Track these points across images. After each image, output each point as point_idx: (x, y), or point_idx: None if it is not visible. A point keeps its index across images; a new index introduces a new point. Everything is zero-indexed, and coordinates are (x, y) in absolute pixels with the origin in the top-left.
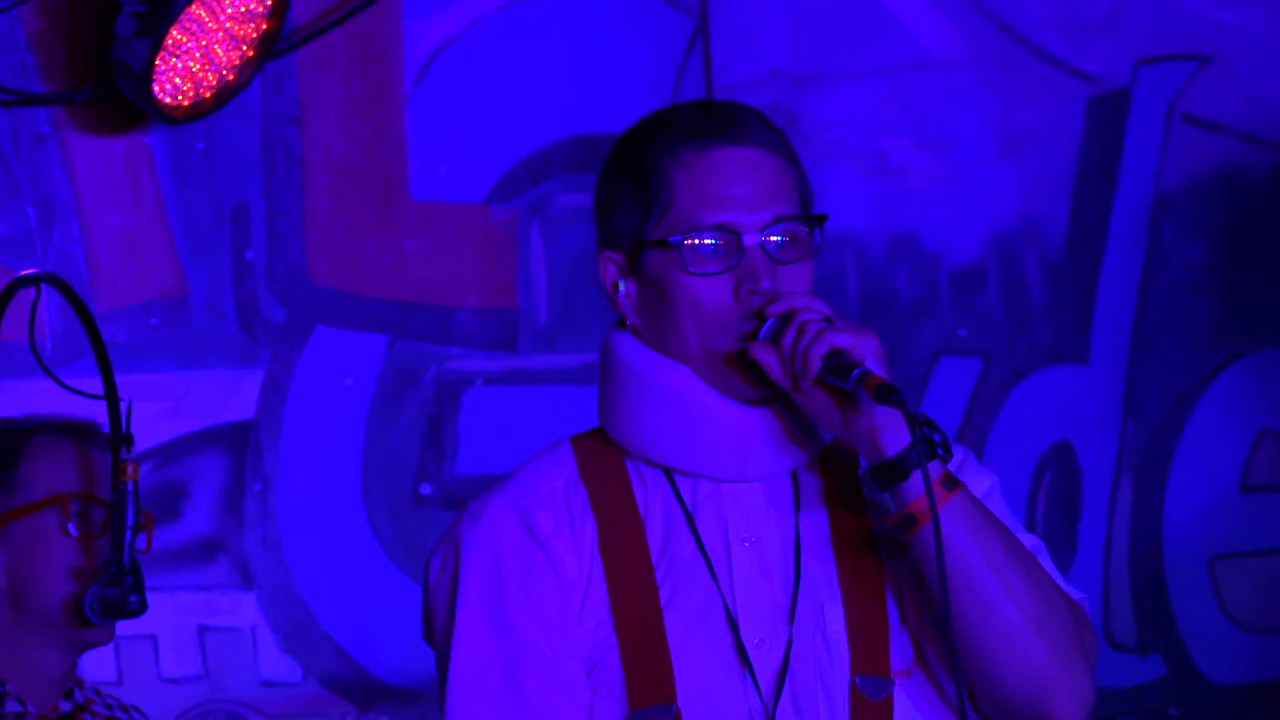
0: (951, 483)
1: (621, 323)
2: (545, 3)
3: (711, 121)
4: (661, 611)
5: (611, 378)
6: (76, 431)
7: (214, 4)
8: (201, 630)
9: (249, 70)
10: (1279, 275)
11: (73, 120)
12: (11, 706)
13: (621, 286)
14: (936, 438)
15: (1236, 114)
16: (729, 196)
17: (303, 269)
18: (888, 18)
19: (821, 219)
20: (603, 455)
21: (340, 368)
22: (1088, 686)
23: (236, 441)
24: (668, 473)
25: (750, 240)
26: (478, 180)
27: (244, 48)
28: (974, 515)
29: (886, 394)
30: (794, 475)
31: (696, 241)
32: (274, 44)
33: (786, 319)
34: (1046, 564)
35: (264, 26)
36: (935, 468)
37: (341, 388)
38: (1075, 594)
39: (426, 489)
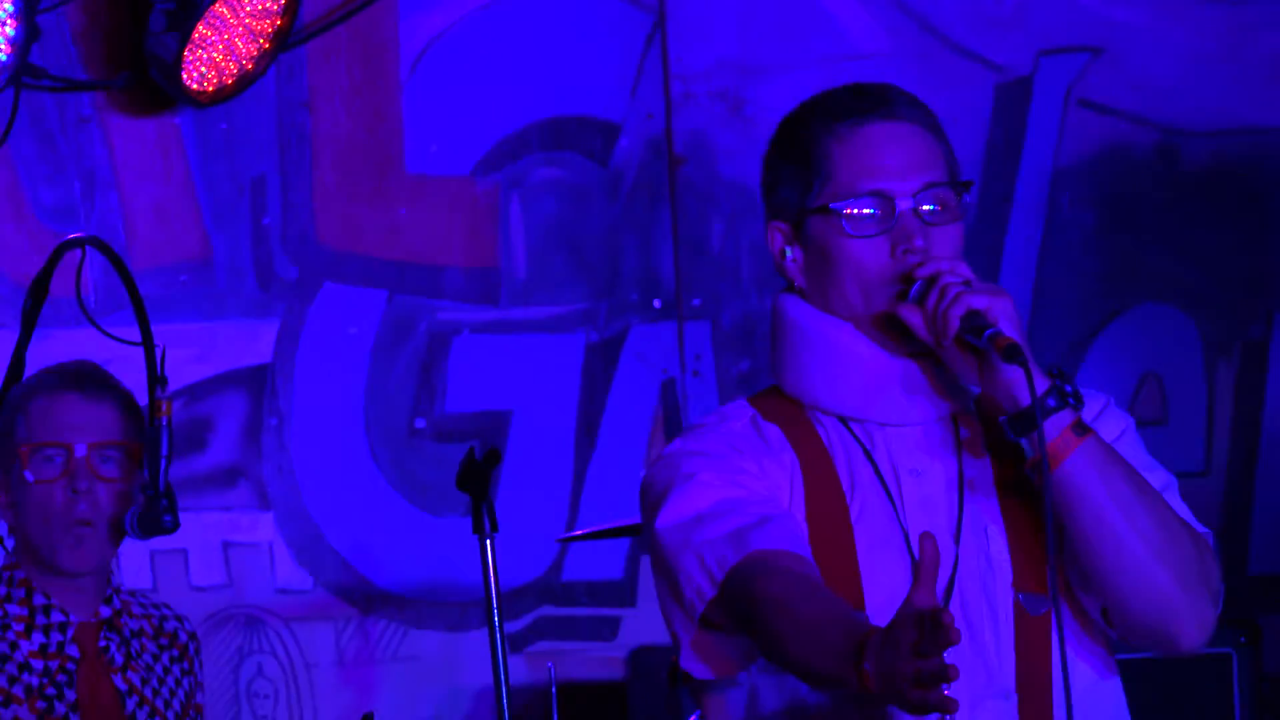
0: (1081, 429)
1: (790, 287)
2: (523, 2)
3: (864, 101)
4: (853, 530)
5: (783, 337)
6: (74, 383)
7: (235, 2)
8: (225, 545)
9: (265, 60)
10: (1161, 239)
11: (112, 104)
12: (56, 617)
13: (789, 253)
14: (1068, 389)
15: (1125, 99)
16: (883, 166)
17: (312, 233)
18: (822, 15)
19: (968, 185)
20: (783, 406)
21: (345, 319)
22: (1210, 613)
23: (255, 382)
24: (841, 419)
25: (903, 205)
26: (464, 156)
27: (261, 41)
28: (1101, 457)
29: (1013, 354)
30: (954, 421)
31: (855, 210)
32: (287, 38)
33: (931, 281)
34: (1174, 500)
35: (278, 22)
36: (1066, 416)
37: (346, 336)
38: (1201, 529)
39: (420, 423)
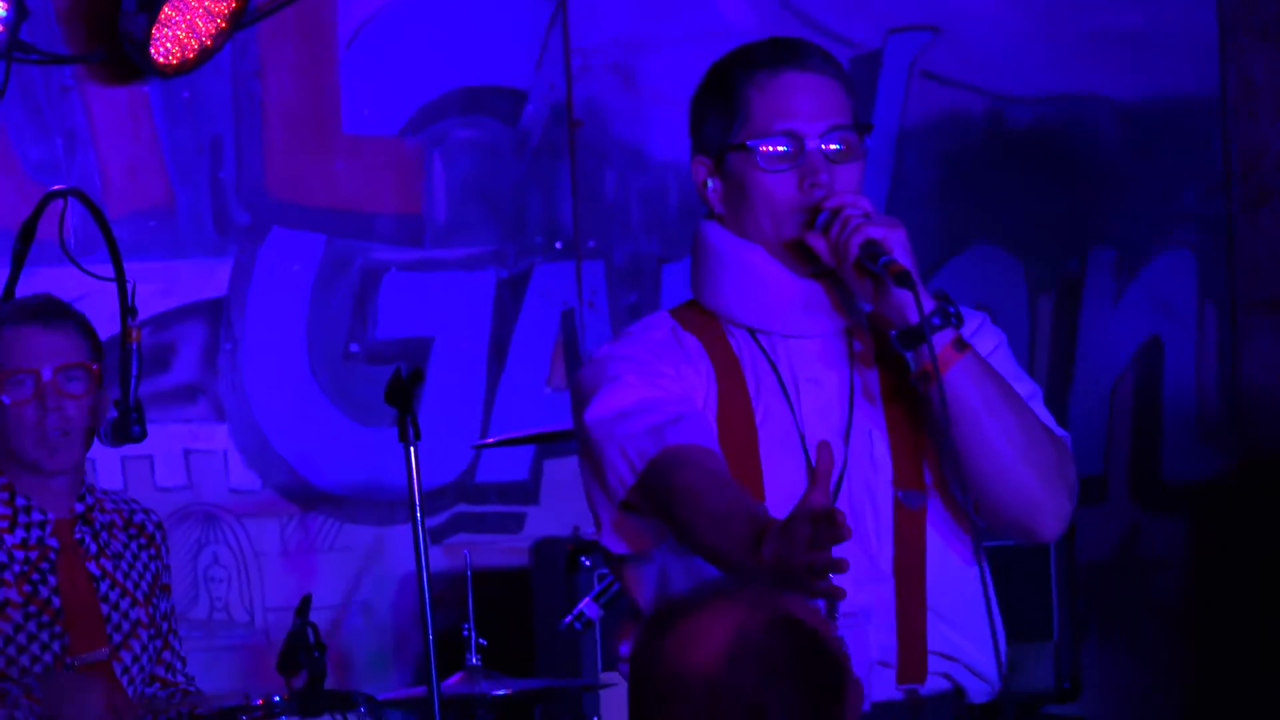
0: (961, 345)
1: (710, 214)
2: None
3: (781, 52)
4: (757, 431)
5: (703, 257)
6: (34, 316)
7: None
8: (186, 452)
9: (222, 38)
10: (990, 190)
11: (90, 74)
12: (35, 515)
13: (710, 184)
14: (951, 309)
15: (960, 71)
16: (795, 109)
17: (262, 185)
18: (707, 5)
19: (869, 127)
20: (700, 318)
21: (290, 258)
22: (1068, 506)
23: (212, 313)
24: (750, 331)
25: (812, 144)
26: (393, 119)
27: (219, 21)
28: (977, 370)
29: (904, 279)
30: (849, 336)
31: (769, 148)
32: (241, 18)
33: (835, 212)
34: (1038, 408)
35: (234, 5)
36: (949, 333)
37: (290, 273)
38: (1060, 433)
39: (354, 348)
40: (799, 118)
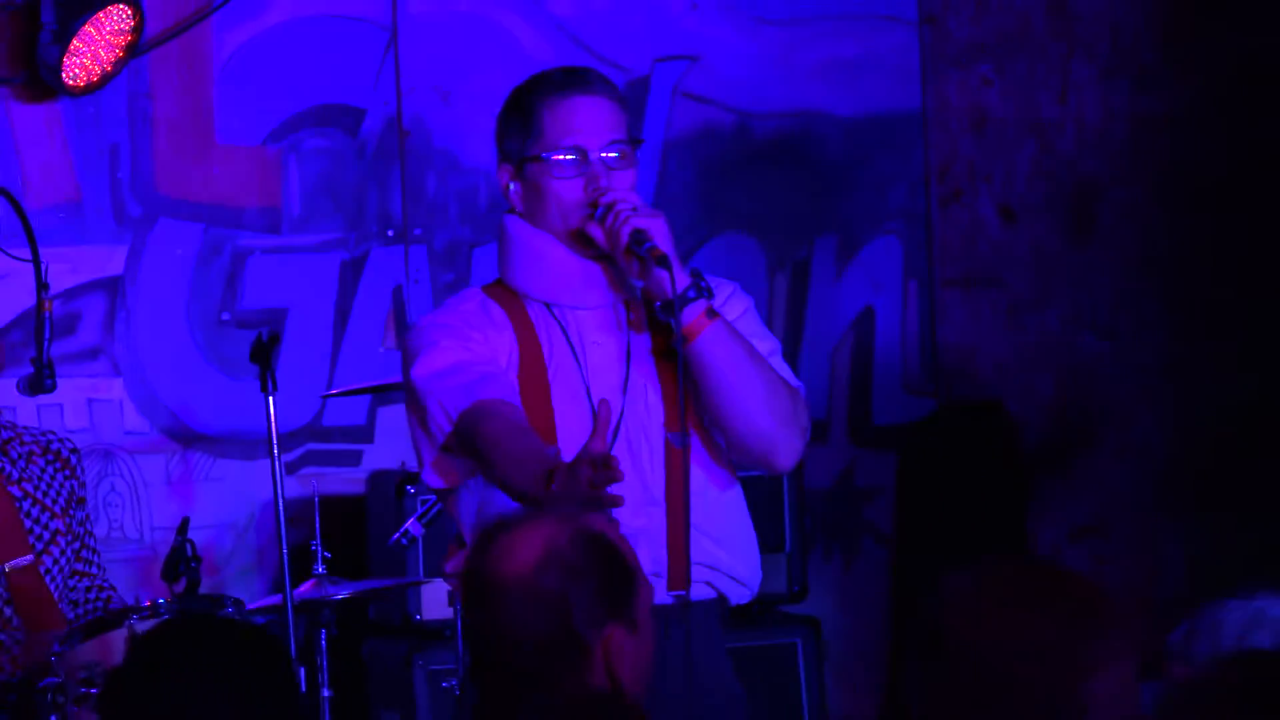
0: (712, 314)
1: (512, 209)
2: (300, 26)
3: (569, 78)
4: (550, 386)
5: (506, 244)
6: None
7: (99, 25)
8: (89, 401)
9: (120, 65)
10: (738, 188)
11: (13, 94)
12: None
13: (512, 186)
14: (703, 284)
15: (713, 92)
16: (579, 127)
17: (152, 184)
18: (505, 32)
19: (639, 141)
20: (505, 293)
21: (174, 244)
22: (800, 444)
23: (111, 288)
24: (545, 304)
25: (594, 155)
26: (258, 130)
27: (118, 51)
28: (725, 334)
29: (663, 261)
30: (625, 307)
31: (559, 158)
32: (135, 48)
33: (609, 207)
34: (777, 362)
35: (129, 38)
36: (701, 304)
37: (174, 256)
38: (795, 383)
39: (226, 316)
40: (583, 134)
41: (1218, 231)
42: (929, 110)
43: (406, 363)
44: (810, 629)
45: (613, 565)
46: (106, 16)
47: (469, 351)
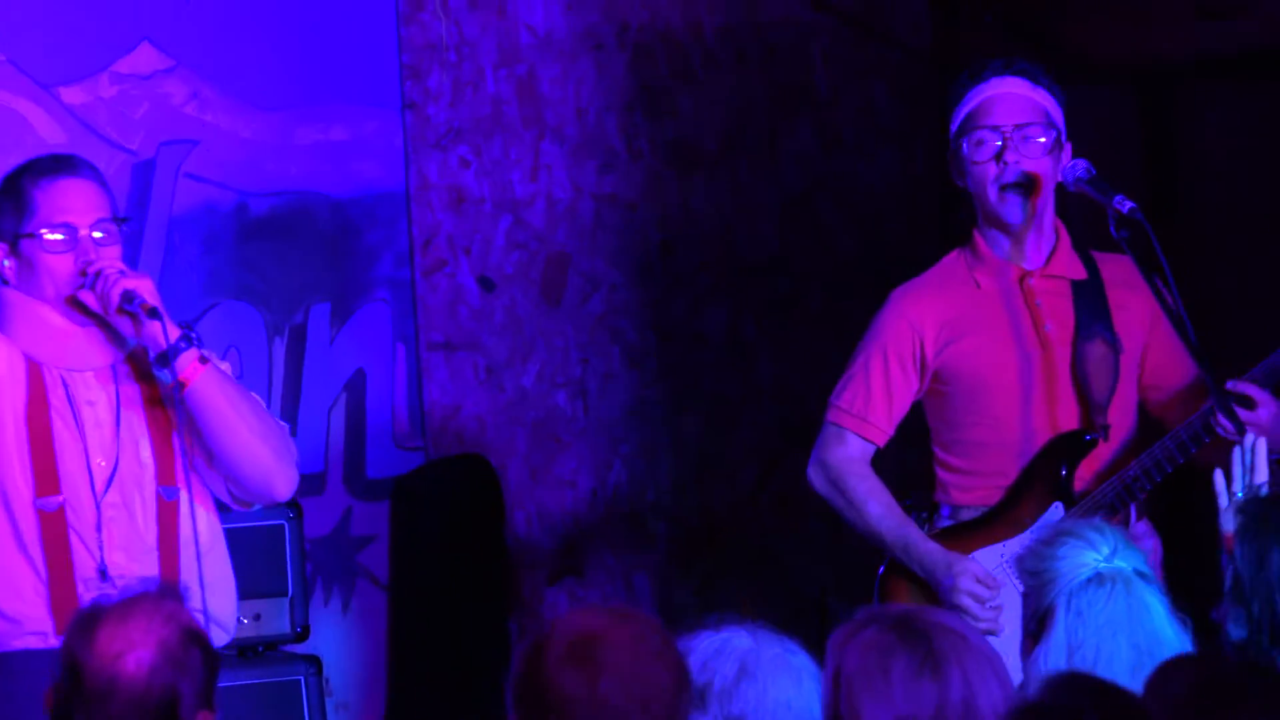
0: (203, 359)
1: (4, 282)
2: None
3: (59, 164)
4: (54, 446)
5: (9, 316)
6: None
7: None
8: None
9: None
10: (240, 262)
11: None
12: None
13: (8, 262)
14: (193, 334)
15: (213, 173)
16: (70, 207)
17: None
18: (26, 125)
19: (125, 220)
20: (13, 351)
21: None
22: (295, 474)
23: None
24: (48, 367)
25: (84, 233)
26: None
27: None
28: (218, 376)
29: (154, 313)
30: (118, 366)
31: (51, 235)
32: None
33: (99, 274)
34: (262, 404)
35: None
36: (193, 353)
37: None
38: (283, 424)
39: None
40: (73, 213)
41: (669, 294)
42: (412, 188)
43: None
44: (313, 665)
45: (210, 657)
46: None
47: None
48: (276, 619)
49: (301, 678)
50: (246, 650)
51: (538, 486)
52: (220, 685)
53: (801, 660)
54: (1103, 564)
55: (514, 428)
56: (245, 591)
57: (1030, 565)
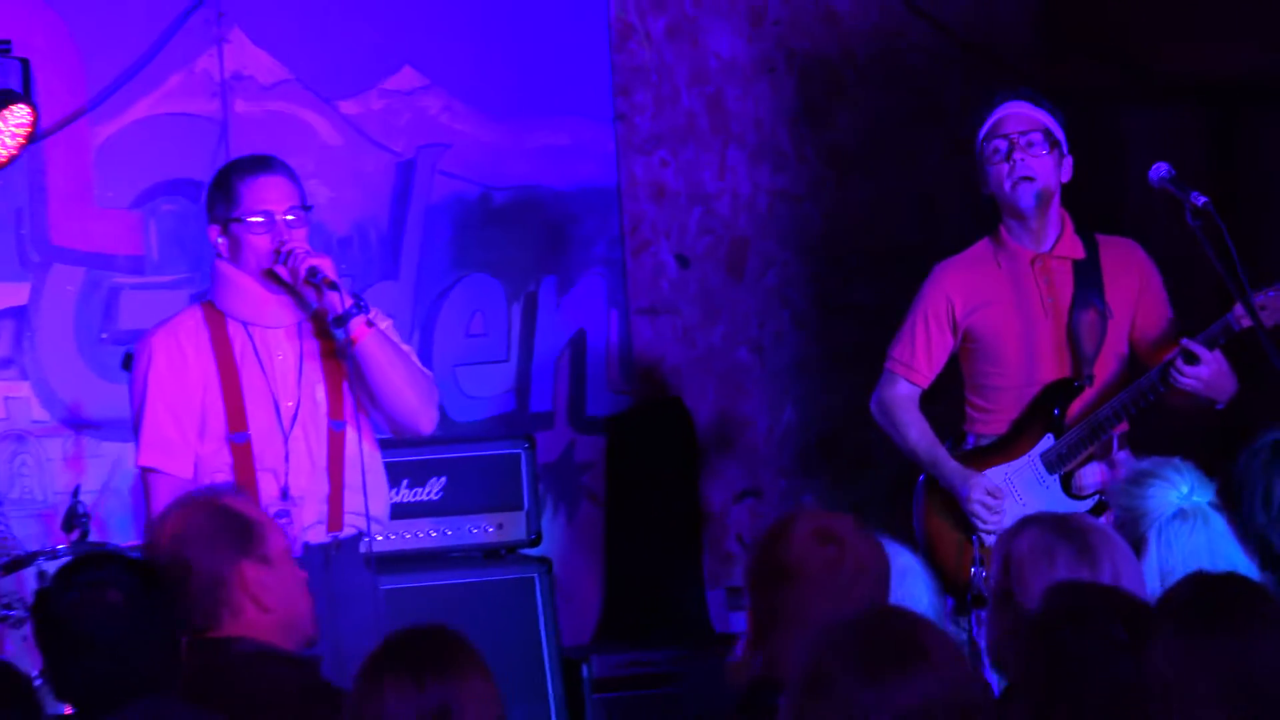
0: (369, 324)
1: (219, 256)
2: (154, 121)
3: (259, 163)
4: (242, 390)
5: (217, 281)
6: None
7: (5, 120)
8: (6, 399)
9: (20, 150)
10: (484, 242)
11: None
12: None
13: (221, 240)
14: (364, 303)
15: (463, 170)
16: (267, 198)
17: (48, 236)
18: (311, 130)
19: (309, 208)
20: (214, 314)
21: (65, 282)
22: (435, 414)
23: (19, 315)
24: (243, 324)
25: (280, 218)
26: (126, 197)
27: (20, 140)
28: (379, 339)
29: (332, 286)
30: (302, 326)
31: (254, 220)
32: (33, 138)
33: (290, 252)
34: (415, 358)
35: (29, 130)
36: (362, 319)
37: (65, 291)
38: (429, 372)
39: (104, 336)
40: (270, 202)
41: (828, 270)
42: (622, 184)
43: (133, 397)
44: (544, 566)
45: (230, 522)
46: (10, 114)
47: (175, 423)
48: (515, 528)
49: (536, 575)
50: (491, 553)
51: (724, 424)
52: (470, 581)
53: (906, 559)
54: (1184, 501)
55: (705, 377)
56: (490, 505)
57: (1123, 501)
